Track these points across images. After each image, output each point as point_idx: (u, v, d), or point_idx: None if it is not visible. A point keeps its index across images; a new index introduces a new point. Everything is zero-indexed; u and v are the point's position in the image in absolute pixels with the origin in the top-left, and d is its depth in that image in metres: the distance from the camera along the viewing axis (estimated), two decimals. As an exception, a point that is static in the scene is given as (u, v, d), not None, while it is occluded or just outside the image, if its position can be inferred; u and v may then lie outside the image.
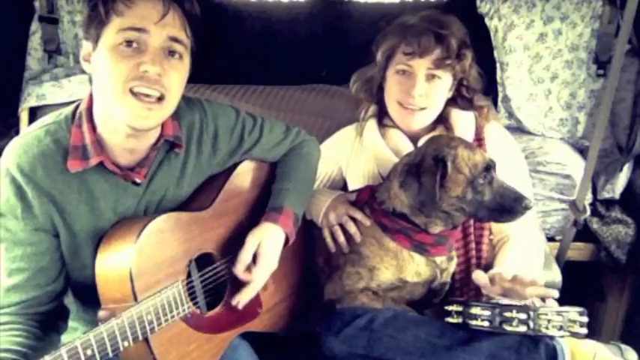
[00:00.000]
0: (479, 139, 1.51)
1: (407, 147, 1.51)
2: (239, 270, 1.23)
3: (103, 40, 1.07)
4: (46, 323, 1.14)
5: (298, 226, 1.35)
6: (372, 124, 1.57)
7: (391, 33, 1.48)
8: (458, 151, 1.32)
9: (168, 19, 1.08)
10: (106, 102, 1.08)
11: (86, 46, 1.10)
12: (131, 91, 1.05)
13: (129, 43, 1.05)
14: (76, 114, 1.14)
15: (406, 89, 1.44)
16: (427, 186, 1.29)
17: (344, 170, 1.64)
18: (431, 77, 1.43)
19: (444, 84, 1.46)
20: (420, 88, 1.43)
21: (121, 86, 1.05)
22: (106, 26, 1.06)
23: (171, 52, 1.09)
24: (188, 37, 1.12)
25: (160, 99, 1.08)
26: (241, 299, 1.24)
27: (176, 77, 1.10)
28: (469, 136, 1.49)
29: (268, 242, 1.26)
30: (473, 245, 1.46)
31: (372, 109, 1.59)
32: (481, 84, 1.52)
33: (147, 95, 1.06)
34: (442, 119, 1.52)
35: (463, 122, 1.51)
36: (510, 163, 1.48)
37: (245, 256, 1.23)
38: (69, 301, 1.21)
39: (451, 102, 1.51)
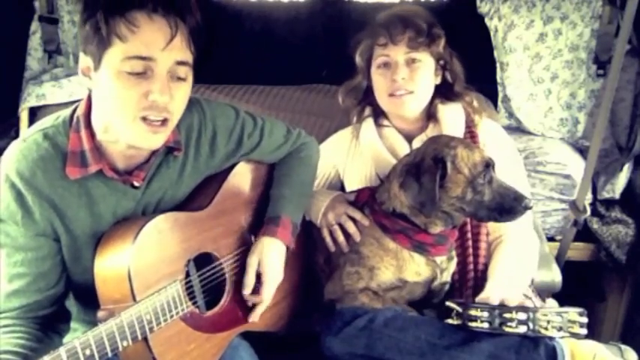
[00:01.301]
0: (472, 135, 1.51)
1: (402, 145, 1.53)
2: (247, 293, 1.26)
3: (105, 62, 1.02)
4: (48, 326, 1.13)
5: (297, 233, 1.35)
6: (368, 124, 1.60)
7: (363, 36, 1.56)
8: (457, 151, 1.32)
9: (175, 42, 1.04)
10: (111, 123, 1.07)
11: (85, 60, 1.06)
12: (139, 118, 1.04)
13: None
14: (74, 118, 1.12)
15: (390, 77, 1.48)
16: (427, 186, 1.29)
17: (341, 173, 1.65)
18: (411, 61, 1.48)
19: (425, 66, 1.49)
20: (402, 72, 1.47)
21: (131, 114, 1.03)
22: (109, 49, 1.02)
23: (178, 77, 1.07)
24: (192, 54, 1.10)
25: (165, 121, 1.07)
26: (255, 316, 1.28)
27: (181, 98, 1.09)
28: (459, 130, 1.50)
29: (270, 258, 1.27)
30: (470, 243, 1.46)
31: (368, 110, 1.62)
32: (462, 68, 1.56)
33: (153, 120, 1.05)
34: (433, 117, 1.54)
35: (451, 115, 1.52)
36: (506, 160, 1.48)
37: (249, 279, 1.26)
38: (70, 303, 1.21)
39: (437, 93, 1.54)
